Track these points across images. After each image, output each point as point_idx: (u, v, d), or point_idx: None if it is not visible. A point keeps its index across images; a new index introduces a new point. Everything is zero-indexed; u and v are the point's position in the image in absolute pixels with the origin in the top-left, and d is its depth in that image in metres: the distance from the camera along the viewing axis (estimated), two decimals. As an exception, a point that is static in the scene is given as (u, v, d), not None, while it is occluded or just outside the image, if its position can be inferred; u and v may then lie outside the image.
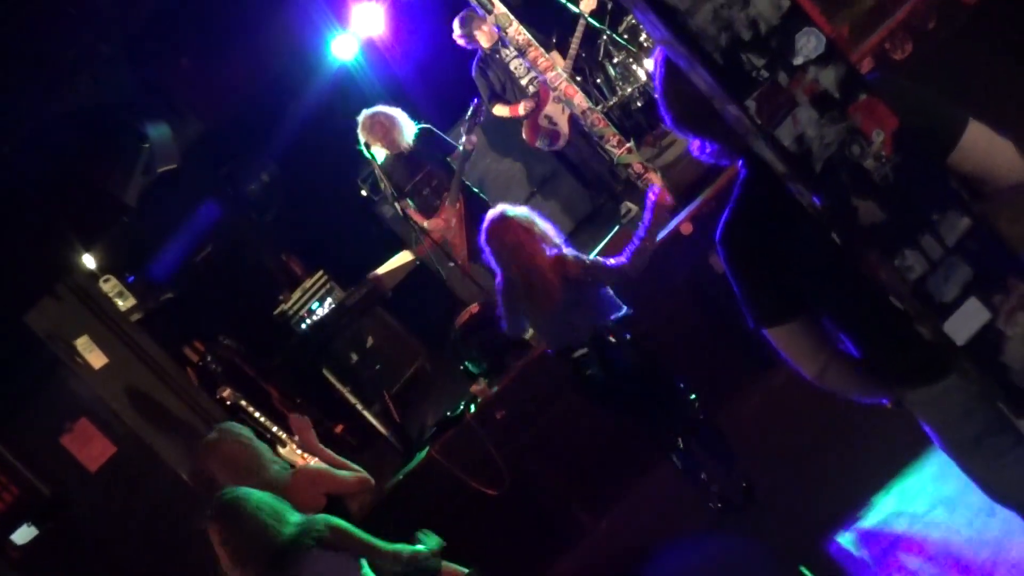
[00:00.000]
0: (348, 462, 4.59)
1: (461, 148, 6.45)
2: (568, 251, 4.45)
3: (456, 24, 7.02)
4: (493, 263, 4.50)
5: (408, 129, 6.53)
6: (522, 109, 7.14)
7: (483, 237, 4.48)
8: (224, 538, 3.47)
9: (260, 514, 3.49)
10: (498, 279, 4.55)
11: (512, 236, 4.36)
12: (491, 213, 4.49)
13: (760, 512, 4.53)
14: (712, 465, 4.61)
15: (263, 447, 4.31)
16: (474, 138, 6.39)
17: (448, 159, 6.64)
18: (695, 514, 4.80)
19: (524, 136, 7.27)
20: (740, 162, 2.18)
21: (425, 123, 6.75)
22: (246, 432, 4.36)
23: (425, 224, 6.45)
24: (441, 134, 6.83)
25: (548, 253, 4.36)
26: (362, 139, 6.53)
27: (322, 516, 3.64)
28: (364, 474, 4.46)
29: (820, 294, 2.15)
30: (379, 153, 6.58)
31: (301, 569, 3.43)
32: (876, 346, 2.16)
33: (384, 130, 6.47)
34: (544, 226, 4.47)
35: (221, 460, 4.24)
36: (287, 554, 3.45)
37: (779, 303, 2.21)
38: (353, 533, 3.65)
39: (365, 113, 6.55)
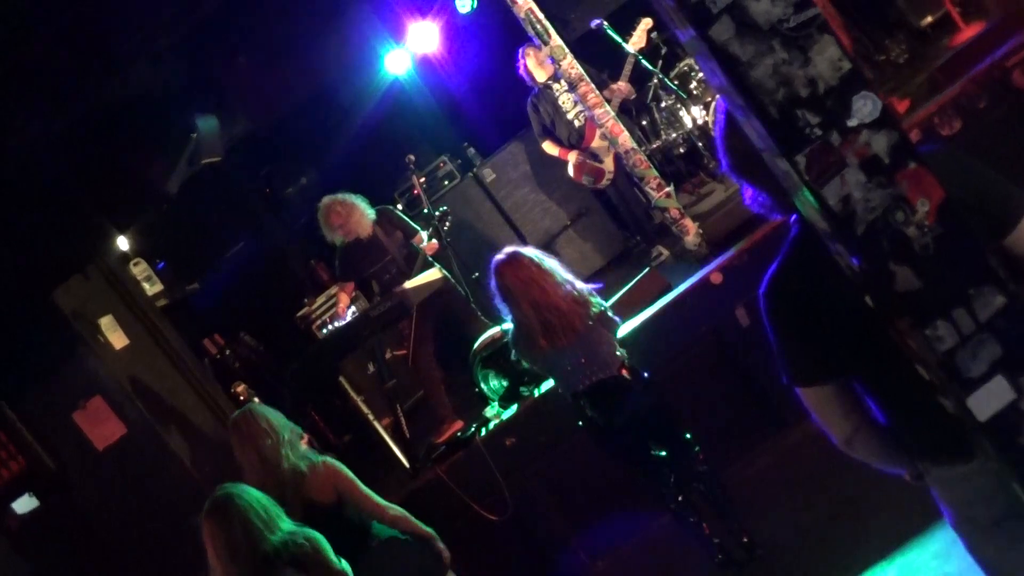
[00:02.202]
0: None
1: (421, 248, 6.42)
2: (584, 288, 4.46)
3: (519, 55, 7.12)
4: (502, 306, 4.49)
5: (366, 216, 6.49)
6: (573, 158, 7.20)
7: (492, 279, 4.48)
8: (212, 535, 3.52)
9: (250, 515, 3.53)
10: (508, 324, 4.55)
11: (524, 272, 4.36)
12: (499, 254, 4.50)
13: (760, 570, 4.51)
14: (713, 518, 4.60)
15: (287, 431, 4.33)
16: (435, 243, 6.36)
17: (414, 242, 6.58)
18: (695, 566, 4.78)
19: (570, 173, 7.34)
20: (793, 218, 2.20)
21: (390, 202, 6.78)
22: (273, 414, 4.40)
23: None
24: (403, 216, 6.80)
25: (562, 290, 4.36)
26: (321, 226, 6.55)
27: (306, 531, 3.65)
28: (411, 518, 4.38)
29: (854, 356, 2.16)
30: (337, 241, 6.61)
31: None
32: (903, 415, 2.17)
33: (341, 219, 6.45)
34: (556, 265, 4.48)
35: (242, 439, 4.28)
36: (270, 562, 3.48)
37: (818, 363, 2.22)
38: (330, 562, 3.64)
39: (324, 201, 6.55)
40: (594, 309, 4.41)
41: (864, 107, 1.89)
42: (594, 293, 4.51)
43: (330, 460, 4.34)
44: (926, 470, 2.19)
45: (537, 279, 4.36)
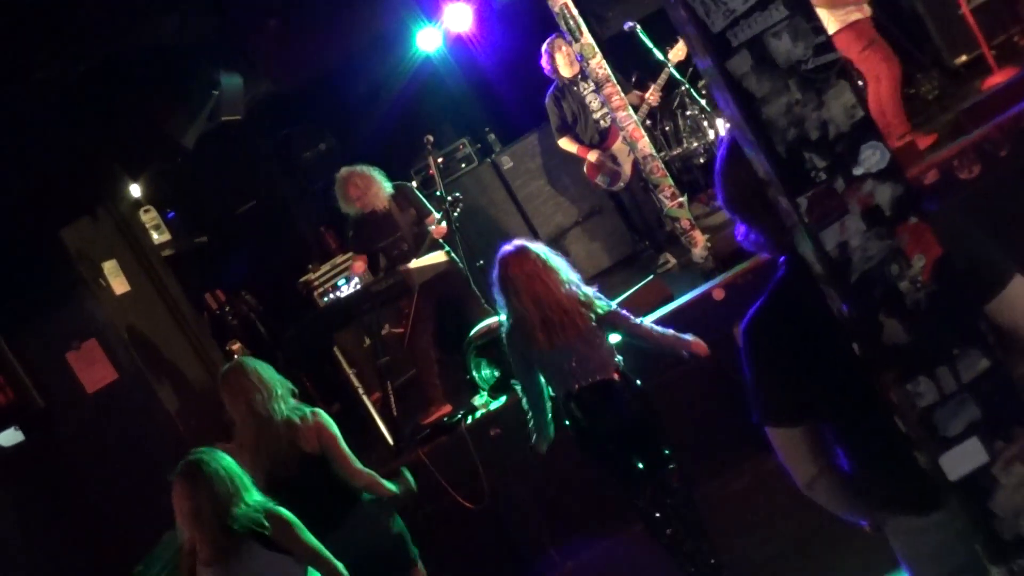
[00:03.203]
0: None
1: (431, 230, 6.45)
2: (588, 290, 4.47)
3: (544, 48, 7.10)
4: (501, 298, 4.50)
5: (383, 189, 6.55)
6: (592, 157, 7.19)
7: (496, 269, 4.48)
8: (178, 497, 3.58)
9: (214, 483, 3.58)
10: (505, 316, 4.54)
11: (530, 266, 4.35)
12: (507, 245, 4.50)
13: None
14: (683, 536, 4.59)
15: (279, 385, 4.37)
16: (444, 227, 6.38)
17: (426, 222, 6.59)
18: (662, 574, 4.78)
19: (585, 170, 7.34)
20: (781, 259, 2.20)
21: (415, 175, 6.75)
22: (264, 367, 4.43)
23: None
24: (419, 195, 6.83)
25: (565, 288, 4.37)
26: (338, 197, 6.60)
27: (273, 508, 3.69)
28: (381, 482, 4.47)
29: (830, 402, 2.17)
30: (352, 212, 6.66)
31: (241, 558, 3.52)
32: (870, 464, 2.18)
33: (358, 191, 6.51)
34: (563, 263, 4.48)
35: (233, 393, 4.32)
36: (231, 532, 3.53)
37: (789, 406, 2.23)
38: (299, 534, 3.69)
39: (341, 172, 6.59)
40: (599, 311, 4.40)
41: (872, 156, 1.90)
42: (600, 296, 4.51)
43: (320, 412, 4.42)
44: (883, 520, 2.21)
45: (541, 274, 4.35)
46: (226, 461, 3.69)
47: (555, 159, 8.09)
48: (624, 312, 4.52)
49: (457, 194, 6.45)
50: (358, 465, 4.41)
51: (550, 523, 5.73)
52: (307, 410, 4.39)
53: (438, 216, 6.38)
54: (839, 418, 2.18)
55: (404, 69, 8.34)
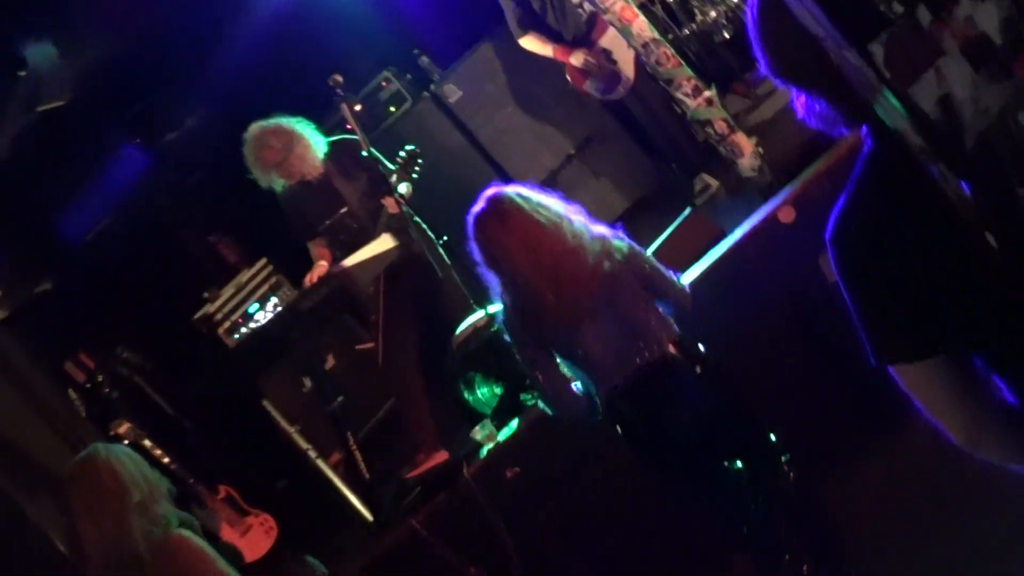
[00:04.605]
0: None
1: (385, 211, 6.36)
2: (601, 229, 4.47)
3: None
4: (489, 276, 4.50)
5: (312, 148, 6.53)
6: (576, 59, 7.18)
7: (471, 240, 4.49)
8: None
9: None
10: (501, 297, 4.55)
11: (513, 220, 4.32)
12: (476, 204, 4.50)
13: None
14: (811, 559, 4.61)
15: (139, 487, 4.40)
16: (404, 189, 6.30)
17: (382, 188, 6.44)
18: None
19: (568, 77, 7.32)
20: (863, 131, 2.20)
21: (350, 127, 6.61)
22: (126, 458, 4.47)
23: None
24: (375, 153, 6.63)
25: (572, 237, 4.36)
26: (251, 167, 6.56)
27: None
28: None
29: (969, 320, 2.17)
30: (276, 186, 6.61)
31: None
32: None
33: (277, 154, 6.47)
34: (555, 201, 4.48)
35: (80, 502, 4.37)
36: None
37: (913, 331, 2.23)
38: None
39: (251, 131, 6.54)
40: (617, 255, 4.41)
41: (962, -33, 1.91)
42: (620, 236, 4.52)
43: (184, 535, 4.43)
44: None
45: (533, 226, 4.36)
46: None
47: (523, 74, 8.08)
48: (643, 251, 4.54)
49: (411, 147, 6.39)
50: None
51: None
52: (173, 528, 4.40)
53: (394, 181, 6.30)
54: (986, 338, 2.18)
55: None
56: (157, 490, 4.42)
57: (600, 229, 4.48)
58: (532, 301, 4.40)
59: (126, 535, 4.29)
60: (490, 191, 4.51)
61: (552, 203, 4.45)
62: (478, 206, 4.48)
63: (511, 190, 4.48)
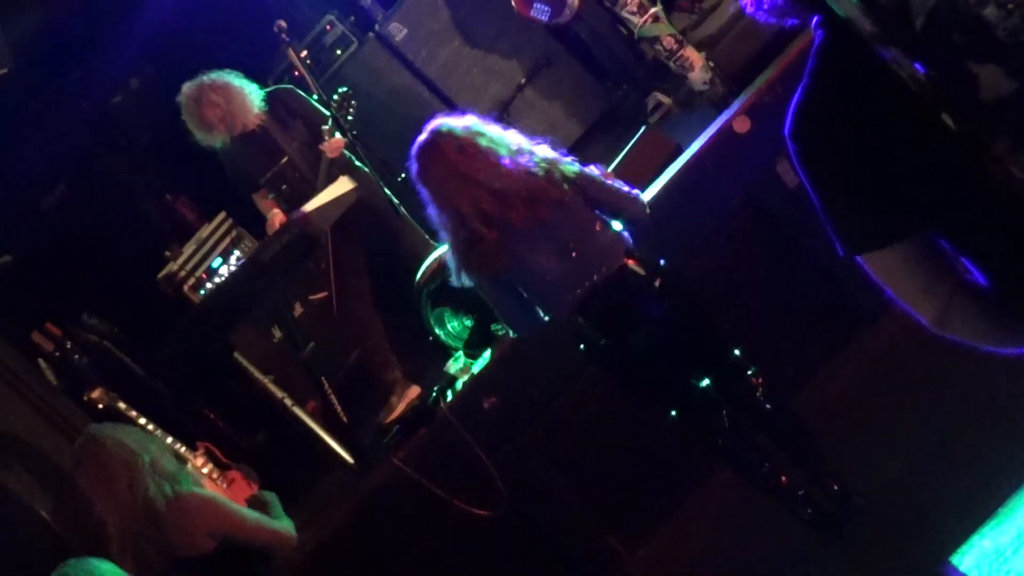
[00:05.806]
0: (271, 500, 4.72)
1: (324, 155, 6.45)
2: (548, 154, 4.46)
3: None
4: (436, 215, 4.51)
5: (249, 99, 6.56)
6: None
7: (415, 176, 4.49)
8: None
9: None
10: (444, 235, 4.54)
11: (454, 155, 4.32)
12: (419, 138, 4.49)
13: (865, 526, 4.54)
14: (787, 463, 4.64)
15: (147, 450, 4.41)
16: (338, 139, 6.38)
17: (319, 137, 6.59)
18: (776, 530, 4.84)
19: (513, 4, 7.28)
20: (815, 20, 2.19)
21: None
22: (124, 432, 4.47)
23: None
24: (305, 98, 6.82)
25: (515, 165, 4.35)
26: (190, 127, 6.60)
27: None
28: (283, 527, 4.57)
29: (932, 203, 2.18)
30: (217, 143, 6.66)
31: None
32: (1013, 271, 2.20)
33: (219, 110, 6.51)
34: (498, 131, 4.47)
35: (92, 481, 4.36)
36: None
37: (878, 218, 2.23)
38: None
39: (186, 92, 6.56)
40: (566, 178, 4.40)
41: None
42: (569, 159, 4.51)
43: (197, 492, 4.47)
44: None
45: (474, 159, 4.34)
46: (106, 567, 3.80)
47: (466, 6, 8.04)
48: (592, 172, 4.54)
49: (345, 88, 6.41)
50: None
51: (600, 506, 5.79)
52: (185, 488, 4.49)
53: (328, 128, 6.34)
54: (949, 220, 2.19)
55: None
56: (158, 449, 4.46)
57: (547, 152, 4.47)
58: (481, 245, 4.39)
59: (141, 499, 4.32)
60: (437, 122, 4.50)
61: (492, 130, 4.45)
62: (419, 139, 4.48)
63: (455, 121, 4.47)
